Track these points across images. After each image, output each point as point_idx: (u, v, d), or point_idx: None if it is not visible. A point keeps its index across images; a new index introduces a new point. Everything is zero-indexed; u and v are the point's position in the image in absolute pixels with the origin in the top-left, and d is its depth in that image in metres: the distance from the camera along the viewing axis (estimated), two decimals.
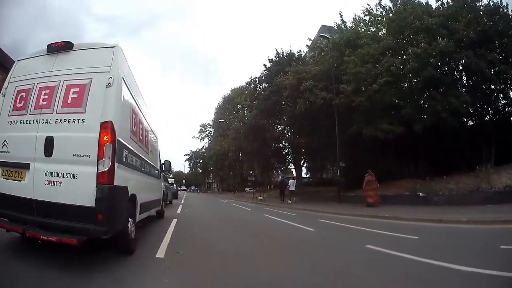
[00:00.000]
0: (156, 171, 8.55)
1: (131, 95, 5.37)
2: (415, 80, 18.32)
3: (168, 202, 17.10)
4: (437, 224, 8.97)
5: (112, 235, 4.08)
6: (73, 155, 4.04)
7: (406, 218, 10.35)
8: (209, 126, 70.45)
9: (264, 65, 33.56)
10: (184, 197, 31.75)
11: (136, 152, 5.54)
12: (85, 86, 4.33)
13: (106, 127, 4.09)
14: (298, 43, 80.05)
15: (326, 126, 21.32)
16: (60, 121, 4.23)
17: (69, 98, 4.34)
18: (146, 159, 6.66)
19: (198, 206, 18.90)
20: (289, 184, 24.52)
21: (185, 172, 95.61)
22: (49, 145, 4.11)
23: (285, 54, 32.51)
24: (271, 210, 16.18)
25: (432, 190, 14.26)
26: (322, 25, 30.96)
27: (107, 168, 3.99)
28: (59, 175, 4.00)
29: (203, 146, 73.68)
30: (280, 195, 23.98)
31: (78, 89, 4.35)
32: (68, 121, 4.21)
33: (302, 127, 24.73)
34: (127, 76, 5.06)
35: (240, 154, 51.89)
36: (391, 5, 21.46)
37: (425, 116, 17.49)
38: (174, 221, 9.38)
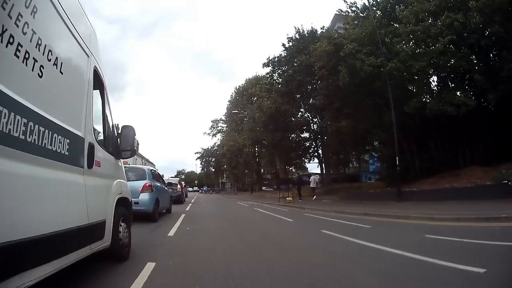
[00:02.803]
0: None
1: None
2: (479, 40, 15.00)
3: (164, 211, 11.67)
4: None
5: None
6: None
7: None
8: (221, 122, 65.28)
9: (283, 44, 29.35)
10: (193, 201, 25.75)
11: None
12: None
13: None
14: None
15: (371, 105, 18.30)
16: None
17: None
18: None
19: (209, 216, 12.56)
20: (310, 180, 23.24)
21: (197, 172, 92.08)
22: None
23: (306, 32, 28.36)
24: (323, 220, 10.54)
25: None
26: (335, 14, 27.71)
27: None
28: None
29: (215, 143, 68.87)
30: (298, 193, 21.87)
31: None
32: None
33: (343, 106, 19.87)
34: None
35: (257, 149, 47.56)
36: None
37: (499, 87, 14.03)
38: None
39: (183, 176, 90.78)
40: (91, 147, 3.28)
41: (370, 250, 5.27)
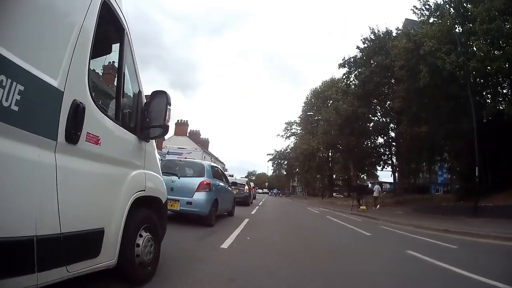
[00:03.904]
0: None
1: None
2: None
3: (225, 214, 10.66)
4: None
5: None
6: None
7: None
8: (295, 124, 64.30)
9: (358, 46, 28.25)
10: (261, 203, 24.62)
11: None
12: None
13: None
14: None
15: (446, 111, 17.00)
16: None
17: None
18: None
19: (276, 223, 11.15)
20: (374, 189, 23.25)
21: (268, 175, 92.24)
22: None
23: (381, 32, 27.22)
24: (403, 236, 9.14)
25: None
26: (406, 18, 26.17)
27: None
28: None
29: (288, 146, 68.14)
30: (357, 202, 20.62)
31: None
32: None
33: (421, 110, 19.21)
34: None
35: (330, 153, 45.84)
36: None
37: None
38: None
39: (253, 177, 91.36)
40: (78, 108, 2.04)
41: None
